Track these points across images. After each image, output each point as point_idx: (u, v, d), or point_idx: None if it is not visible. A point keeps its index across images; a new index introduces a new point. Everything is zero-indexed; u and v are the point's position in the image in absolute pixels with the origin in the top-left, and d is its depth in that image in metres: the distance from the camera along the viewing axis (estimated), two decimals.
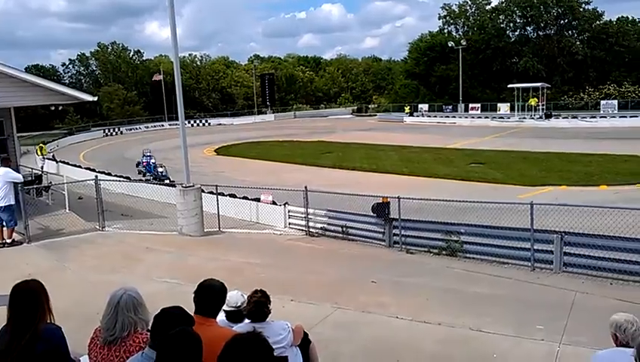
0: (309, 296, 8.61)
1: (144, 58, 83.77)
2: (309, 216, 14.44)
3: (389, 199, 12.76)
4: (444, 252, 11.52)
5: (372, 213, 12.96)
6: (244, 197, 16.63)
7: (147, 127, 63.06)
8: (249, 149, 38.22)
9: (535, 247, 10.19)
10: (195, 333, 2.87)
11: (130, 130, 60.59)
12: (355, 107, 77.69)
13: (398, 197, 12.28)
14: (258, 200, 16.27)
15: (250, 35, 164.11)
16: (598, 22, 59.32)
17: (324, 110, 76.66)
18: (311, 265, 11.32)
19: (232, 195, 16.75)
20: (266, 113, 72.98)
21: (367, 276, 9.83)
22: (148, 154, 28.38)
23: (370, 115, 68.69)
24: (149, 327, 3.29)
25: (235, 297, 4.48)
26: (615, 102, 48.06)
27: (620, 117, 42.67)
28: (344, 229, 13.65)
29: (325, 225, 14.27)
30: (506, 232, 10.80)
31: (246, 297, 4.36)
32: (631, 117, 41.66)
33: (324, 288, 9.17)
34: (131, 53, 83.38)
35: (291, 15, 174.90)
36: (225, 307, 4.31)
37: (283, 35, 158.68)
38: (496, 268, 10.45)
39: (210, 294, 3.82)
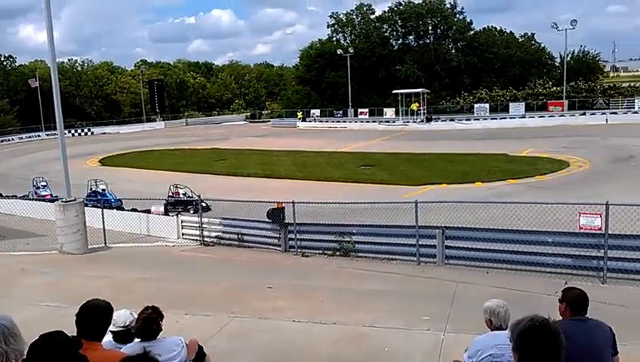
0: (204, 308, 8.42)
1: (17, 63, 76.37)
2: (204, 226, 14.14)
3: (283, 204, 12.87)
4: (338, 253, 11.86)
5: (267, 219, 12.99)
6: (133, 210, 15.86)
7: (22, 138, 57.80)
8: (138, 159, 36.51)
9: (420, 243, 10.83)
10: (64, 340, 2.69)
11: (1, 141, 55.09)
12: (249, 113, 77.31)
13: (293, 202, 12.44)
14: (149, 211, 15.59)
15: (136, 40, 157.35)
16: (469, 32, 64.64)
17: (217, 117, 75.35)
18: (206, 275, 11.07)
19: (120, 208, 15.91)
20: (155, 121, 70.12)
21: (264, 282, 9.82)
22: (42, 184, 23.31)
23: (263, 121, 68.71)
24: (24, 357, 3.04)
25: (123, 316, 4.27)
26: (487, 105, 52.72)
27: (492, 119, 46.78)
28: (239, 237, 13.55)
29: (220, 234, 14.06)
30: (394, 230, 11.38)
31: (136, 315, 4.18)
32: (500, 118, 45.92)
33: (219, 298, 9.03)
34: (2, 58, 75.59)
35: (180, 20, 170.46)
36: (112, 327, 4.10)
37: (171, 40, 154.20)
38: (385, 264, 10.95)
39: (93, 316, 3.59)
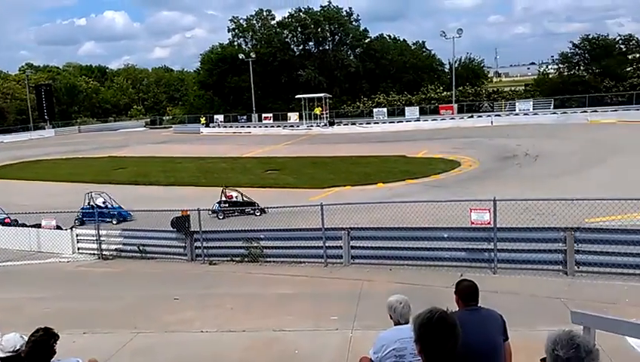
0: (105, 325, 7.99)
1: None
2: (102, 239, 13.38)
3: (188, 212, 12.54)
4: (246, 259, 11.78)
5: (171, 228, 12.58)
6: (22, 225, 14.63)
7: None
8: (25, 170, 33.71)
9: (327, 244, 11.07)
10: None
11: None
12: (149, 119, 74.17)
13: (198, 209, 12.17)
14: (39, 226, 14.45)
15: (19, 43, 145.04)
16: (365, 39, 67.12)
17: (114, 123, 71.42)
18: (106, 290, 10.50)
19: (6, 223, 14.61)
20: (44, 128, 65.01)
21: (170, 294, 9.53)
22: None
23: (165, 128, 66.23)
24: None
25: (12, 340, 3.96)
26: (385, 109, 55.02)
27: (390, 122, 48.88)
28: (141, 248, 12.99)
29: (121, 246, 13.40)
30: (301, 233, 11.55)
31: (26, 338, 3.89)
32: (397, 122, 48.13)
33: (121, 314, 8.62)
34: None
35: (69, 21, 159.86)
36: (0, 354, 3.79)
37: (60, 43, 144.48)
38: (294, 268, 11.06)
39: None
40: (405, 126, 45.64)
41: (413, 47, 65.91)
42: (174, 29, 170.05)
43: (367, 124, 48.11)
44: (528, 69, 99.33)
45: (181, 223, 12.50)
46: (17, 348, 3.95)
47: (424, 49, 65.88)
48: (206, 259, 12.14)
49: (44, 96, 67.31)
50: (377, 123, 49.21)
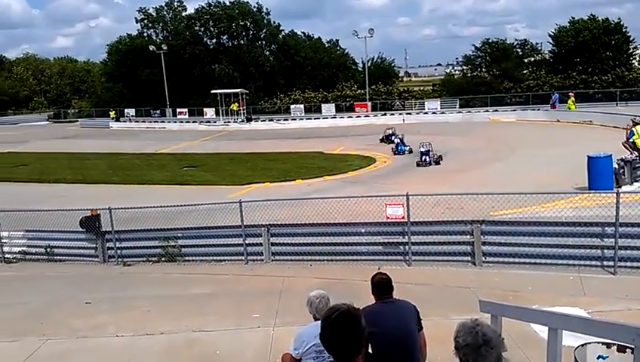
0: (8, 333, 7.49)
1: None
2: (4, 241, 12.44)
3: (99, 211, 11.95)
4: (163, 259, 11.47)
5: (80, 229, 11.93)
6: None
7: None
8: None
9: (247, 242, 11.04)
10: None
11: None
12: (52, 113, 69.33)
13: (109, 208, 11.64)
14: None
15: None
16: (279, 35, 67.09)
17: (12, 117, 66.09)
18: (10, 296, 9.79)
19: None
20: None
21: (80, 297, 9.07)
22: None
23: (70, 122, 62.19)
24: None
25: None
26: (302, 106, 55.38)
27: (307, 119, 49.31)
28: (48, 250, 12.21)
29: (25, 248, 12.55)
30: (220, 231, 11.39)
31: None
32: (315, 119, 48.68)
33: (27, 320, 8.10)
34: None
35: None
36: None
37: None
38: (214, 266, 10.93)
39: None
40: (322, 123, 46.28)
41: (327, 45, 66.76)
42: (77, 17, 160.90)
43: (285, 120, 48.25)
44: (435, 69, 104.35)
45: (91, 223, 11.90)
46: None
47: (338, 47, 66.96)
48: (120, 260, 11.67)
49: None
50: (295, 119, 49.47)
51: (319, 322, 4.20)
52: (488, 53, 55.16)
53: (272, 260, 11.02)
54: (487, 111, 43.35)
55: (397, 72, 72.31)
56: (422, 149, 23.11)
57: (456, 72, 61.23)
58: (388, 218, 10.31)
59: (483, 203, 10.00)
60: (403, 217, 10.06)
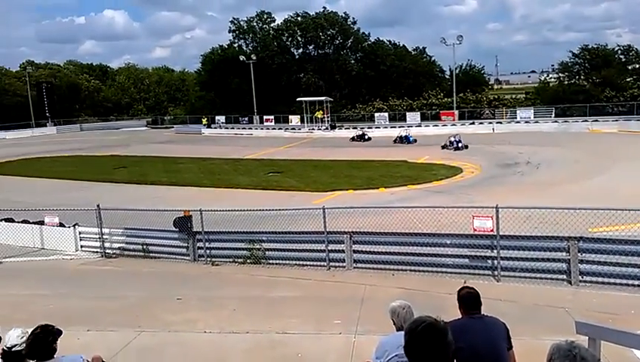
0: (108, 323, 8.03)
1: None
2: (105, 237, 13.40)
3: (190, 212, 12.55)
4: (248, 260, 11.79)
5: (174, 228, 12.59)
6: (25, 221, 14.62)
7: None
8: (27, 166, 33.71)
9: (329, 248, 11.10)
10: None
11: None
12: (150, 119, 74.19)
13: (200, 210, 12.18)
14: (42, 223, 14.44)
15: (20, 39, 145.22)
16: (366, 43, 67.24)
17: (115, 122, 71.38)
18: (109, 289, 10.52)
19: (9, 220, 14.59)
20: (46, 126, 65.01)
21: (173, 294, 9.55)
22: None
23: (166, 127, 66.28)
24: None
25: (14, 336, 4.01)
26: (386, 114, 55.15)
27: (391, 127, 48.94)
28: (145, 247, 13.00)
29: (124, 245, 13.41)
30: (304, 236, 11.55)
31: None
32: (399, 127, 48.13)
33: (125, 312, 8.64)
34: None
35: (69, 19, 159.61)
36: (3, 347, 3.85)
37: (60, 41, 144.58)
38: (296, 270, 11.08)
39: None
40: (407, 131, 45.69)
41: (413, 53, 65.97)
42: (174, 29, 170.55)
43: (369, 128, 48.10)
44: (529, 77, 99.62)
45: (183, 223, 12.51)
46: (18, 343, 3.99)
47: (424, 55, 65.95)
48: (208, 259, 12.16)
49: (46, 93, 67.30)
50: (379, 127, 49.25)
51: (402, 332, 4.13)
52: (587, 60, 51.82)
53: (354, 267, 10.99)
54: (585, 121, 40.73)
55: (487, 79, 70.02)
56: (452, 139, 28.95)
57: (552, 79, 57.95)
58: (475, 230, 9.95)
59: (580, 218, 9.34)
60: (492, 230, 9.66)
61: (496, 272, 9.65)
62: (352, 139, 41.89)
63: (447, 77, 60.03)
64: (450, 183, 21.92)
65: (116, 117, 75.26)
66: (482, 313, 4.26)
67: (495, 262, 9.66)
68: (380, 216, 11.46)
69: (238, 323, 7.93)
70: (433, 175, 23.90)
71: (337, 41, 67.11)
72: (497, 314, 4.35)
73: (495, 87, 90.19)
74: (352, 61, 66.29)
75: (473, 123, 46.00)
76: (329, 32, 66.16)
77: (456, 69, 55.88)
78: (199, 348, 7.23)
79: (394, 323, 4.27)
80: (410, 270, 10.40)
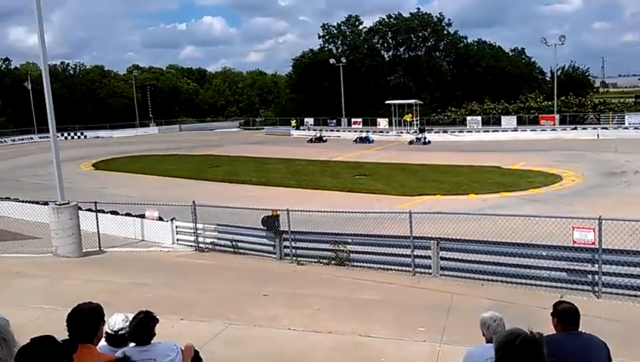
0: (199, 314, 8.41)
1: (11, 66, 76.04)
2: (198, 231, 14.10)
3: (278, 212, 12.86)
4: (333, 262, 11.87)
5: (262, 226, 12.97)
6: (128, 214, 15.77)
7: (14, 141, 57.32)
8: (131, 163, 36.36)
9: (415, 253, 10.88)
10: (54, 345, 2.70)
11: None
12: (242, 120, 77.29)
13: (287, 210, 12.44)
14: (143, 216, 15.50)
15: (127, 44, 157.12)
16: (461, 44, 65.30)
17: (210, 123, 75.17)
18: (201, 281, 11.05)
19: (114, 212, 15.81)
20: (149, 125, 69.87)
21: (259, 289, 9.82)
22: None
23: (257, 129, 68.68)
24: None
25: (118, 320, 4.28)
26: (479, 117, 53.18)
27: (484, 131, 47.12)
28: (234, 243, 13.52)
29: (215, 240, 14.03)
30: (389, 240, 11.41)
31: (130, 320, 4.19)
32: (493, 131, 46.27)
33: (215, 304, 9.02)
34: None
35: (171, 26, 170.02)
36: (107, 330, 4.12)
37: (163, 46, 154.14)
38: (381, 274, 10.97)
39: (79, 319, 3.59)
40: (501, 135, 43.85)
41: (510, 54, 63.16)
42: (267, 35, 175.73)
43: (460, 132, 46.79)
44: (639, 79, 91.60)
45: (271, 222, 12.84)
46: (122, 327, 4.26)
47: (523, 56, 62.90)
48: (294, 258, 12.40)
49: (149, 95, 72.30)
50: (471, 132, 47.67)
51: (491, 345, 3.95)
52: None
53: (440, 275, 10.69)
54: None
55: (592, 81, 65.54)
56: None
57: None
58: (575, 242, 9.30)
59: None
60: (593, 243, 8.98)
61: (596, 288, 8.96)
62: (310, 141, 47.14)
63: (548, 79, 56.93)
64: (548, 191, 20.71)
65: (212, 118, 79.12)
66: (580, 330, 3.99)
67: (596, 277, 8.97)
68: (470, 223, 11.05)
69: (322, 323, 7.99)
70: (529, 182, 22.72)
71: (430, 43, 65.94)
72: (596, 333, 4.03)
73: (601, 90, 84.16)
74: (445, 63, 64.72)
75: (575, 128, 43.18)
76: (421, 34, 65.14)
77: (557, 70, 52.87)
78: (283, 344, 7.37)
79: (483, 335, 4.12)
80: (501, 281, 9.94)
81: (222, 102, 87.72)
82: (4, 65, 75.41)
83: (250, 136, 59.21)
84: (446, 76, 61.84)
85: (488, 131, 46.90)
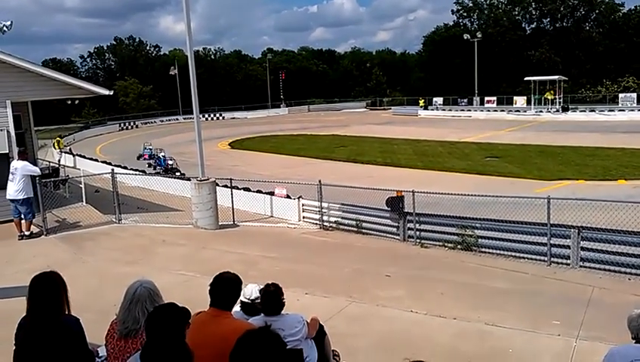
0: (323, 289, 8.62)
1: (160, 53, 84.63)
2: (323, 210, 14.43)
3: (403, 193, 12.67)
4: (459, 246, 11.44)
5: (386, 207, 12.89)
6: (258, 191, 16.67)
7: (162, 121, 63.40)
8: (263, 143, 38.32)
9: (552, 242, 10.07)
10: (176, 307, 2.98)
11: (146, 123, 61.07)
12: (369, 101, 77.33)
13: (413, 191, 12.20)
14: (272, 193, 16.28)
15: (262, 29, 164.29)
16: (617, 13, 58.21)
17: (337, 104, 76.31)
18: (325, 258, 11.32)
19: (246, 189, 16.80)
20: (279, 107, 72.99)
21: (382, 270, 9.80)
22: (149, 147, 30.64)
23: (384, 109, 68.31)
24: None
25: (252, 290, 4.50)
26: (634, 95, 46.93)
27: (638, 110, 41.89)
28: (358, 223, 13.62)
29: (339, 219, 14.25)
30: (522, 227, 10.67)
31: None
32: None
33: (338, 281, 9.18)
34: (148, 47, 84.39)
35: (304, 9, 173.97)
36: (242, 298, 4.35)
37: (295, 29, 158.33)
38: (511, 262, 10.35)
39: (225, 287, 3.84)
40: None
41: None
42: (397, 12, 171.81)
43: (610, 111, 42.18)
44: None
45: (395, 203, 12.69)
46: (254, 297, 4.48)
47: None
48: (418, 241, 12.16)
49: (281, 78, 75.28)
50: (623, 110, 42.71)
51: (639, 345, 3.55)
52: None
53: (580, 266, 9.79)
54: None
55: None
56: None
57: None
58: None
59: None
60: None
61: None
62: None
63: None
64: None
65: (339, 99, 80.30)
66: None
67: None
68: (617, 211, 9.92)
69: (446, 308, 7.76)
70: None
71: (579, 13, 59.83)
72: None
73: None
74: (596, 34, 58.35)
75: None
76: (570, 2, 59.26)
77: None
78: (404, 325, 7.29)
79: (631, 334, 3.74)
80: None
81: (349, 83, 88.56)
82: (155, 52, 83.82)
83: (376, 116, 59.10)
84: (597, 48, 55.71)
85: None
